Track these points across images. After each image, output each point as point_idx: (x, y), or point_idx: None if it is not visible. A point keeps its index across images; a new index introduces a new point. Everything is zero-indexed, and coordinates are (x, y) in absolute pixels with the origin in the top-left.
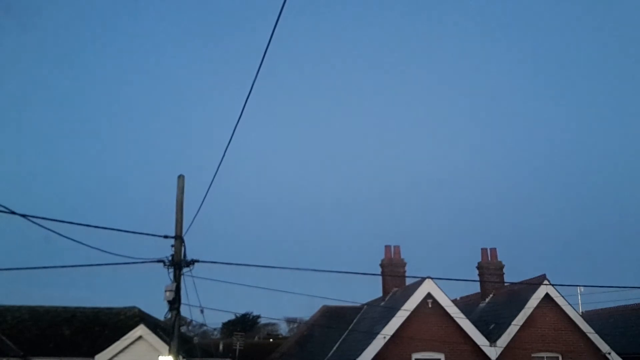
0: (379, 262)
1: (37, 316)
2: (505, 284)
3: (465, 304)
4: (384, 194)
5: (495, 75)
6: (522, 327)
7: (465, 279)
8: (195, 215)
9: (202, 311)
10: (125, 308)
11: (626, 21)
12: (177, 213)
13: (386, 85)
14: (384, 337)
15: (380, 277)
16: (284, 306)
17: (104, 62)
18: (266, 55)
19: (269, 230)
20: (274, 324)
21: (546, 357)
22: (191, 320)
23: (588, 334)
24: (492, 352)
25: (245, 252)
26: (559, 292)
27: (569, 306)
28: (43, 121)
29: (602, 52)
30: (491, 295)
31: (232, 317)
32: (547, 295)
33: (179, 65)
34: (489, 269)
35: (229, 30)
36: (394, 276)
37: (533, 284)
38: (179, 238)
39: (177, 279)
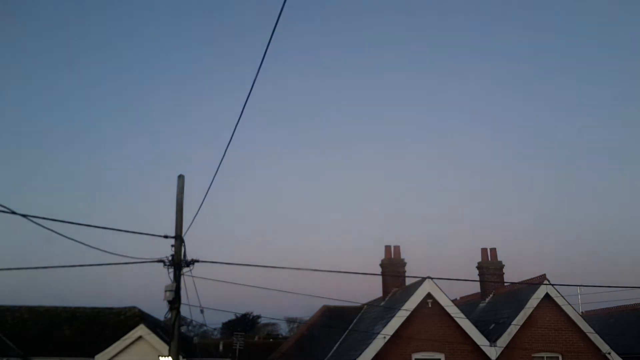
0: (379, 262)
1: (37, 316)
2: (505, 284)
3: (465, 304)
4: (384, 193)
5: (493, 78)
6: (522, 327)
7: (465, 279)
8: (195, 215)
9: (202, 311)
10: (125, 308)
11: None
12: (177, 213)
13: (385, 83)
14: (384, 337)
15: (380, 277)
16: (284, 306)
17: (104, 62)
18: (268, 55)
19: (269, 230)
20: (274, 324)
21: (546, 357)
22: (191, 320)
23: (588, 334)
24: (492, 352)
25: (246, 252)
26: (559, 292)
27: (569, 306)
28: (43, 121)
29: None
30: (491, 295)
31: (232, 317)
32: (547, 295)
33: (180, 65)
34: (489, 269)
35: (230, 30)
36: (394, 276)
37: (533, 284)
38: (179, 238)
39: (177, 279)
